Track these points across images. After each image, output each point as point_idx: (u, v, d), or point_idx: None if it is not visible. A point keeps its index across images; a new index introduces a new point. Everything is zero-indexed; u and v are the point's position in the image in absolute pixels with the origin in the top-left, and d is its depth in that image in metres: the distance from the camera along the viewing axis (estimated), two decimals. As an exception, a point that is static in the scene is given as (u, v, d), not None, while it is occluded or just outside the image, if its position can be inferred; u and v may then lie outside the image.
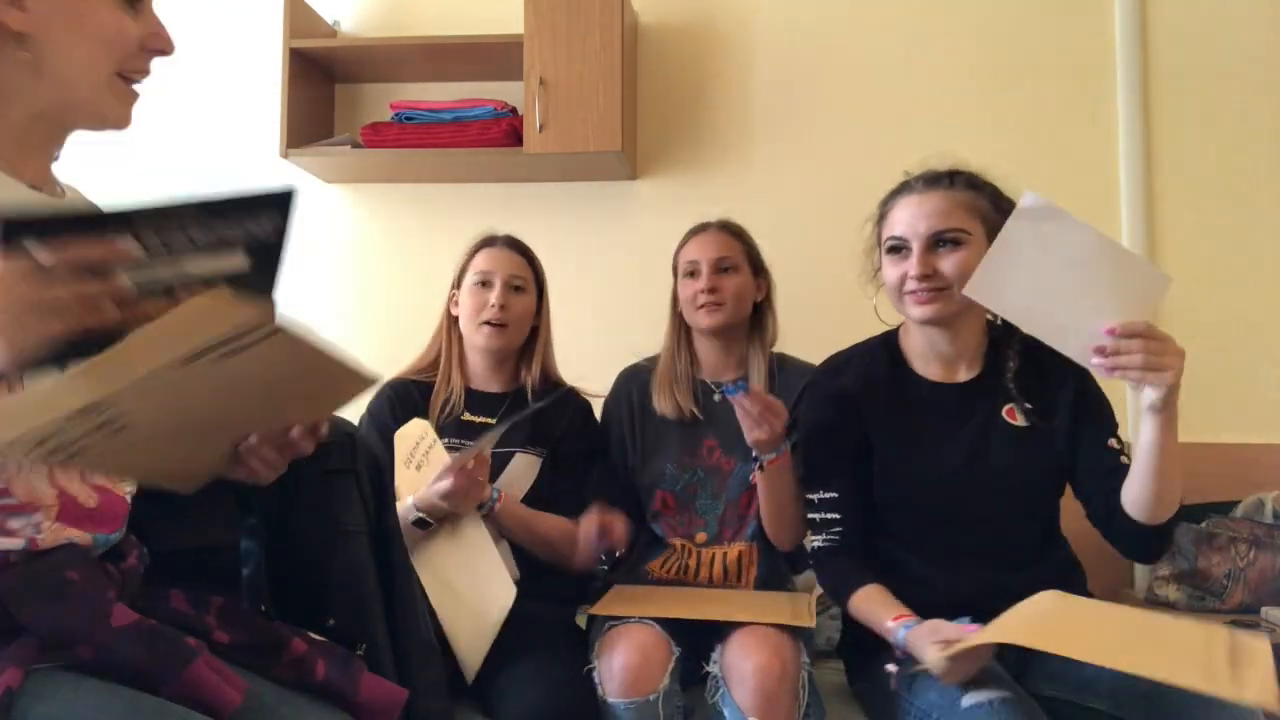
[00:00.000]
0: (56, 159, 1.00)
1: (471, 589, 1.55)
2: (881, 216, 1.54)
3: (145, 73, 0.96)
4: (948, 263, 1.43)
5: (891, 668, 1.36)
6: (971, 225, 1.44)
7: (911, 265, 1.44)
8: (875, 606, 1.42)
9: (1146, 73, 2.43)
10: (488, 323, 1.77)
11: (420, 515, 1.56)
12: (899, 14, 2.52)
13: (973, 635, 1.23)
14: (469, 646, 1.51)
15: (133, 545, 1.02)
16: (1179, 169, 2.42)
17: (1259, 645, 1.16)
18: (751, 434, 1.55)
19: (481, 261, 1.82)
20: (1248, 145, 2.40)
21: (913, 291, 1.45)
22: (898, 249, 1.48)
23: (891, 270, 1.49)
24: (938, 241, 1.44)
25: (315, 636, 1.04)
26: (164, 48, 0.96)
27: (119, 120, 0.96)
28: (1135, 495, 1.36)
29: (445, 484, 1.53)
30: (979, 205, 1.46)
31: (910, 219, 1.46)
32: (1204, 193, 2.41)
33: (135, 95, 0.97)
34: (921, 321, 1.48)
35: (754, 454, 1.61)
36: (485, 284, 1.79)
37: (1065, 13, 2.47)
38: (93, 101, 0.93)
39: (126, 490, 0.99)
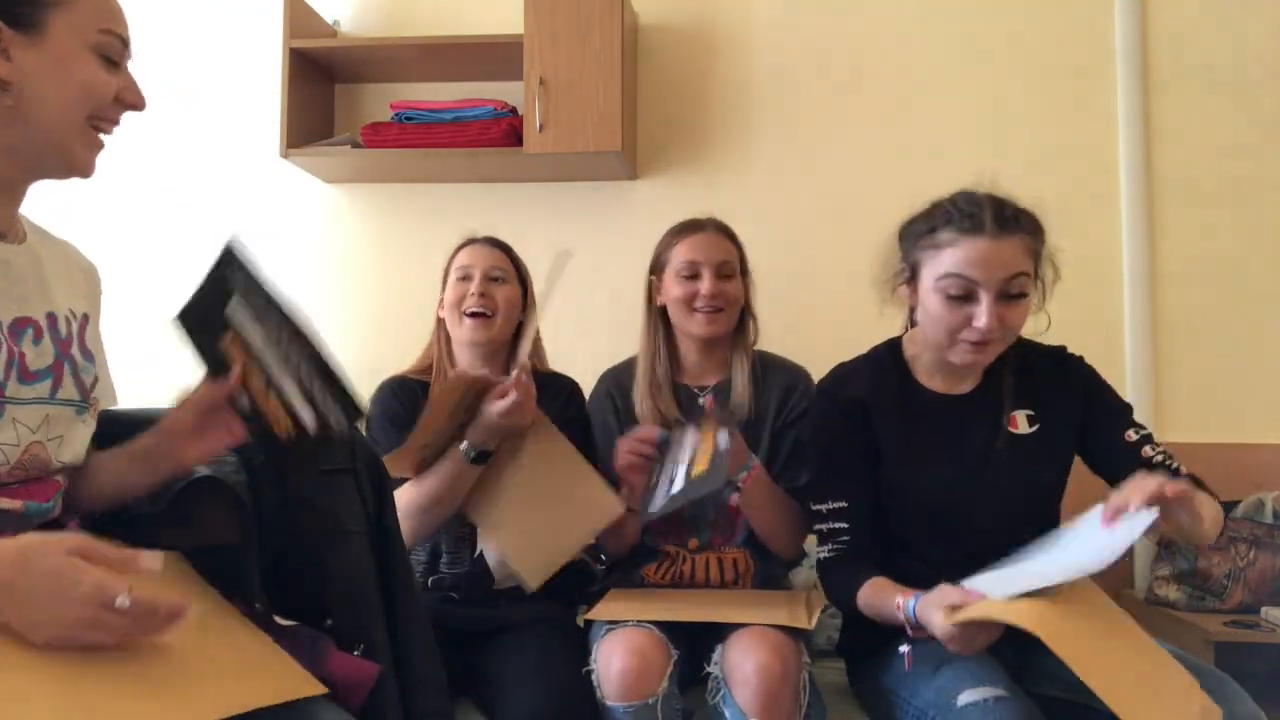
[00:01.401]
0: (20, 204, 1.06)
1: (570, 498, 1.62)
2: (932, 244, 1.44)
3: (116, 123, 1.04)
4: (1015, 314, 1.40)
5: (905, 649, 1.36)
6: (1031, 268, 1.41)
7: (982, 316, 1.37)
8: (882, 593, 1.40)
9: (1146, 73, 2.43)
10: (470, 313, 1.77)
11: (478, 449, 1.59)
12: (898, 14, 2.52)
13: (977, 605, 1.22)
14: (551, 549, 1.59)
15: (71, 516, 1.05)
16: (1179, 169, 2.42)
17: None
18: None
19: (461, 258, 1.83)
20: (1248, 145, 2.40)
21: (972, 342, 1.40)
22: (963, 295, 1.39)
23: (948, 313, 1.40)
24: (1008, 292, 1.39)
25: (283, 622, 1.05)
26: (137, 103, 1.04)
27: (84, 167, 1.02)
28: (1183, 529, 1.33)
29: (505, 402, 1.55)
30: (1035, 247, 1.42)
31: (984, 263, 1.37)
32: (1204, 193, 2.41)
33: (101, 145, 1.03)
34: (965, 367, 1.46)
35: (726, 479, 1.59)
36: (465, 278, 1.80)
37: (1065, 13, 2.47)
38: (62, 146, 1.00)
39: (57, 475, 1.03)
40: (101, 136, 1.02)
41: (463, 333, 1.78)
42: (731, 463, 1.52)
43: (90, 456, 1.09)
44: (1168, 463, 1.44)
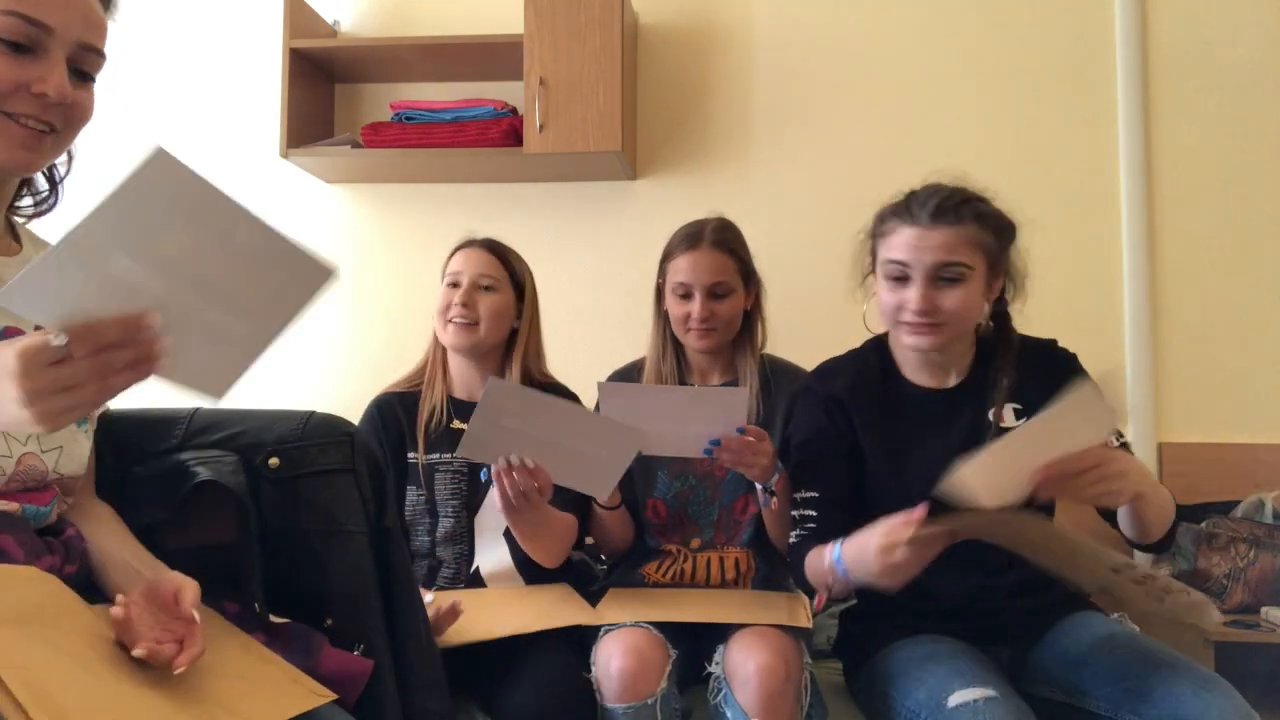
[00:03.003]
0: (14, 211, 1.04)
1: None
2: (880, 233, 1.50)
3: (35, 116, 0.93)
4: (949, 298, 1.41)
5: (821, 597, 1.37)
6: (974, 260, 1.42)
7: (912, 298, 1.42)
8: (817, 557, 1.41)
9: (1146, 73, 2.43)
10: (452, 320, 1.77)
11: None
12: (899, 14, 2.52)
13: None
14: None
15: (69, 523, 1.04)
16: (1179, 169, 2.42)
17: None
18: (749, 473, 1.56)
19: (454, 262, 1.82)
20: (1248, 145, 2.40)
21: (910, 323, 1.44)
22: (899, 277, 1.44)
23: (890, 296, 1.46)
24: (940, 276, 1.42)
25: (276, 620, 1.05)
26: (46, 93, 0.92)
27: (16, 163, 0.94)
28: (1126, 531, 1.39)
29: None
30: (983, 239, 1.44)
31: (914, 249, 1.42)
32: (1204, 193, 2.41)
33: (31, 137, 0.94)
34: (915, 350, 1.48)
35: (759, 486, 1.61)
36: (454, 284, 1.79)
37: (1065, 13, 2.47)
38: None
39: (54, 483, 1.02)
40: (36, 130, 0.93)
41: (446, 338, 1.79)
42: (765, 468, 1.54)
43: (102, 538, 1.06)
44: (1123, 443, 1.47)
